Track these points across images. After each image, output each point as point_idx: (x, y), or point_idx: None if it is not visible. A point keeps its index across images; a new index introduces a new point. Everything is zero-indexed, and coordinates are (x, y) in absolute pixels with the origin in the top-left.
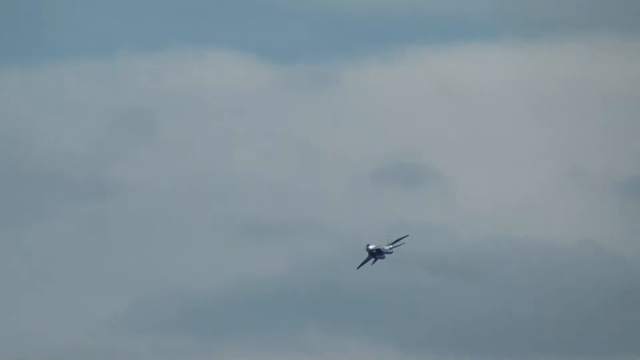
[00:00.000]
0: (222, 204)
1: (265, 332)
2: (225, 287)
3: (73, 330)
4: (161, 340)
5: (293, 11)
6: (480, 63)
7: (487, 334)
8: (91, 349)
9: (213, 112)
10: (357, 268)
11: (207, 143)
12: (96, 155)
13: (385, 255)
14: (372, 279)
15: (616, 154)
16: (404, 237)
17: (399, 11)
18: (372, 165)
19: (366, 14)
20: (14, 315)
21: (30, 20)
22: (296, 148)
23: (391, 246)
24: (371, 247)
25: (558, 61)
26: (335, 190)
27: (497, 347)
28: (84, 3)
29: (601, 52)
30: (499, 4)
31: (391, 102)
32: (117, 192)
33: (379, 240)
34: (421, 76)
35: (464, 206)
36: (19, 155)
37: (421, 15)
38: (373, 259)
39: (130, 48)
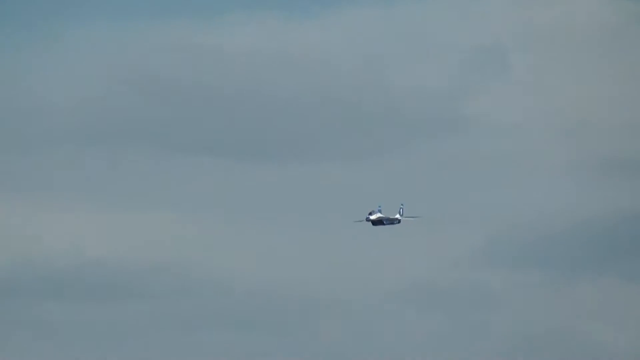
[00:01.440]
0: (576, 139)
1: (621, 266)
2: (581, 223)
3: (429, 266)
4: (517, 275)
5: None
6: None
7: None
8: (448, 285)
9: (567, 47)
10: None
11: (561, 78)
12: (452, 91)
13: (386, 223)
14: None
15: None
16: (417, 217)
17: None
18: None
19: None
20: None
21: None
22: None
23: (399, 217)
24: (372, 217)
25: None
26: None
27: None
28: None
29: None
30: None
31: None
32: (473, 127)
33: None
34: None
35: None
36: (369, 89)
37: None
38: (371, 223)
39: None
